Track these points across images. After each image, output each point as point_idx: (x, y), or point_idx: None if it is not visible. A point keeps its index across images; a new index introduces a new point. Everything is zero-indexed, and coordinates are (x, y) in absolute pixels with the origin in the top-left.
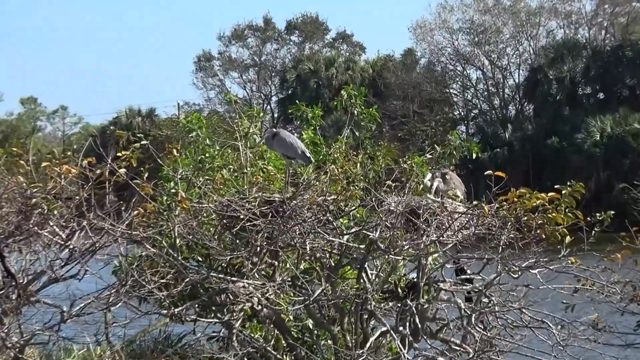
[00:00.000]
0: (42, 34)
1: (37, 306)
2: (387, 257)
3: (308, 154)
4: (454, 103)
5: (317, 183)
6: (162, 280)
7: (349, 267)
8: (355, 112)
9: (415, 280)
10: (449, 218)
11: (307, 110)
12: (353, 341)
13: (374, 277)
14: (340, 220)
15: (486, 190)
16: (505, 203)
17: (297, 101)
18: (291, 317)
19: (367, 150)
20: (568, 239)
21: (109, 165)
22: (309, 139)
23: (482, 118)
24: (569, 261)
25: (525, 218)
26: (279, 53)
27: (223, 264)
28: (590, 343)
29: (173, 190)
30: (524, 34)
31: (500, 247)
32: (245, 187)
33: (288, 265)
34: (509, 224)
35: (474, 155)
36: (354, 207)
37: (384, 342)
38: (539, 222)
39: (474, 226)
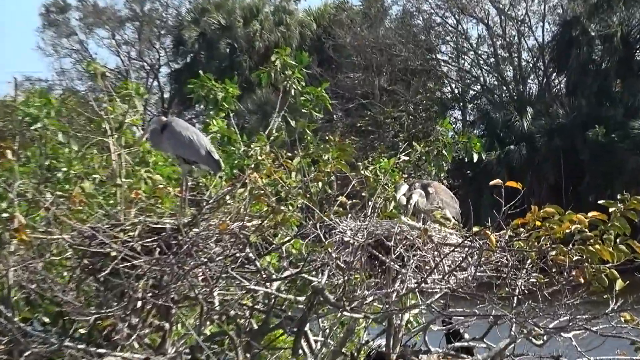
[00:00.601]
0: None
1: None
2: (339, 315)
3: (217, 156)
4: (444, 75)
5: (231, 201)
6: None
7: (280, 331)
8: (292, 91)
9: (383, 350)
10: (436, 253)
11: (215, 87)
12: None
13: (319, 346)
14: (267, 258)
15: (493, 209)
16: (522, 229)
17: (200, 73)
18: None
19: (309, 150)
20: (620, 284)
21: None
22: (220, 132)
23: (487, 98)
24: (621, 319)
25: (554, 253)
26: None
27: (84, 328)
28: None
29: (5, 215)
30: None
31: (516, 298)
32: (119, 207)
33: (186, 329)
34: (529, 262)
35: (475, 157)
36: (288, 238)
37: None
38: (575, 258)
39: (474, 266)
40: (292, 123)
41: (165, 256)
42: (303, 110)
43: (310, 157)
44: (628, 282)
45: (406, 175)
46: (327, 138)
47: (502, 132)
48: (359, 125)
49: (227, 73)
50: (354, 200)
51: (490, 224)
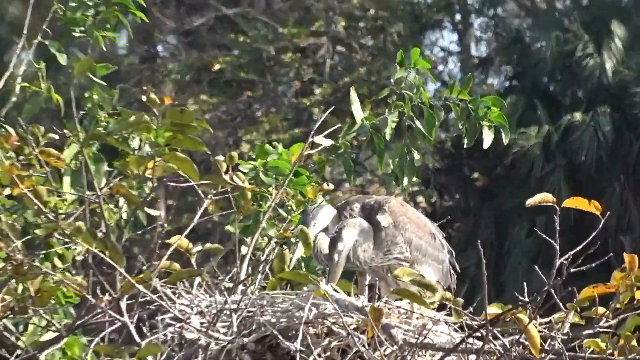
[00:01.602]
0: None
1: None
2: None
3: None
4: None
5: None
6: None
7: None
8: None
9: None
10: None
11: None
12: None
13: None
14: None
15: (534, 262)
16: (604, 310)
17: None
18: None
19: (99, 125)
20: None
21: None
22: None
23: (519, 1)
24: None
25: None
26: None
27: None
28: None
29: None
30: None
31: None
32: None
33: None
34: None
35: (488, 139)
36: (54, 336)
37: None
38: None
39: None
40: (63, 61)
41: None
42: (81, 34)
43: (104, 141)
44: None
45: (331, 187)
46: (145, 97)
47: (554, 83)
48: (217, 68)
49: None
50: (212, 245)
51: (527, 298)
